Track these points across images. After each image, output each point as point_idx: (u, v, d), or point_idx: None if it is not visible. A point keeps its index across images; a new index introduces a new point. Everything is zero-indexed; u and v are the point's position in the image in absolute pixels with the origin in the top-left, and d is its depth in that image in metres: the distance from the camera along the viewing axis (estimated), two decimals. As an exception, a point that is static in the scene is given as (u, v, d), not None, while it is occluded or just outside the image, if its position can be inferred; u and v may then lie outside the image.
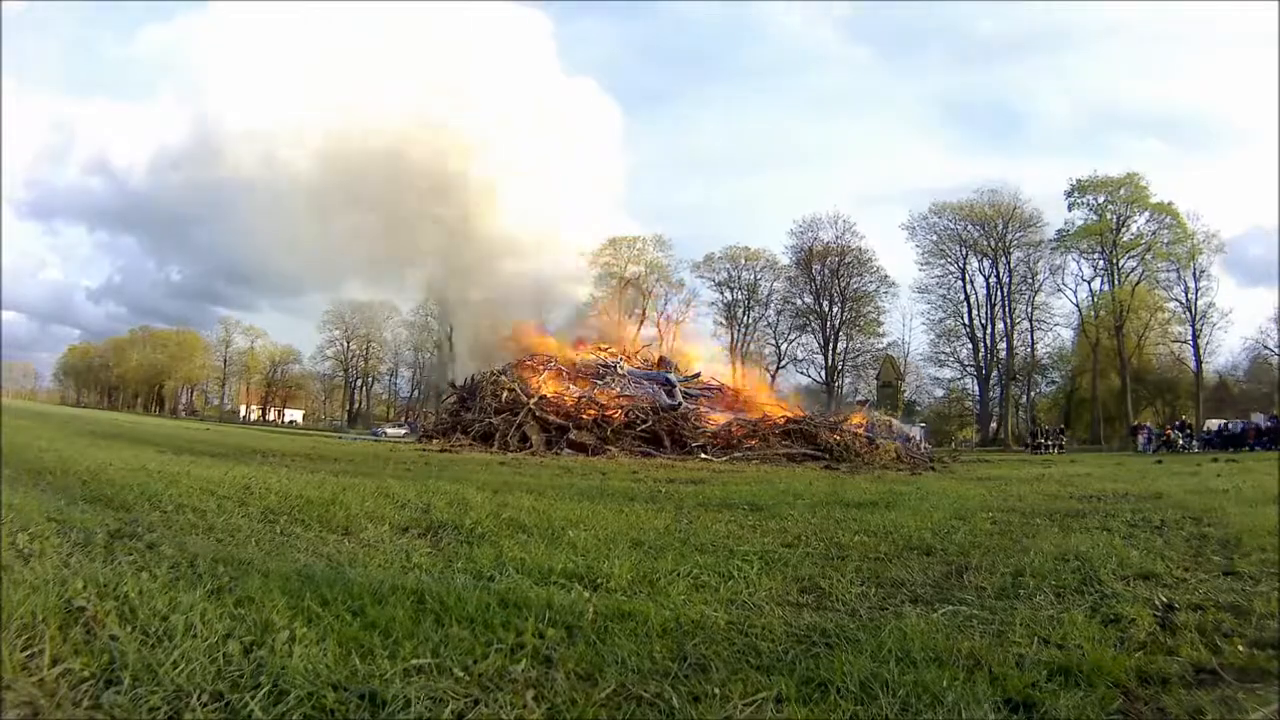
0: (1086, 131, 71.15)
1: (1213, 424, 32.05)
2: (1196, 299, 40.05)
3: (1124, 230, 41.42)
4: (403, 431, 34.63)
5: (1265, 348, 41.03)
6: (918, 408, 47.65)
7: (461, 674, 2.02)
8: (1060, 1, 74.38)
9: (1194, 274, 40.01)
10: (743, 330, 50.01)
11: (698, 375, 25.99)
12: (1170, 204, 40.38)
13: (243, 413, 67.19)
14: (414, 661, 2.06)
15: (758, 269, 50.24)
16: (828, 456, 17.26)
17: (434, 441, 21.15)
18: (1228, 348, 41.94)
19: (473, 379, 24.75)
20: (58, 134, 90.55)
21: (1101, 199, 41.81)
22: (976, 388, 46.89)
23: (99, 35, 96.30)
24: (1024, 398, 46.67)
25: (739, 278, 50.12)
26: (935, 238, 45.98)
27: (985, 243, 44.71)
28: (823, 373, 48.02)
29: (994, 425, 45.19)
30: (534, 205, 32.21)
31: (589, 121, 35.48)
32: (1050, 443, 30.56)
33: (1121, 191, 41.25)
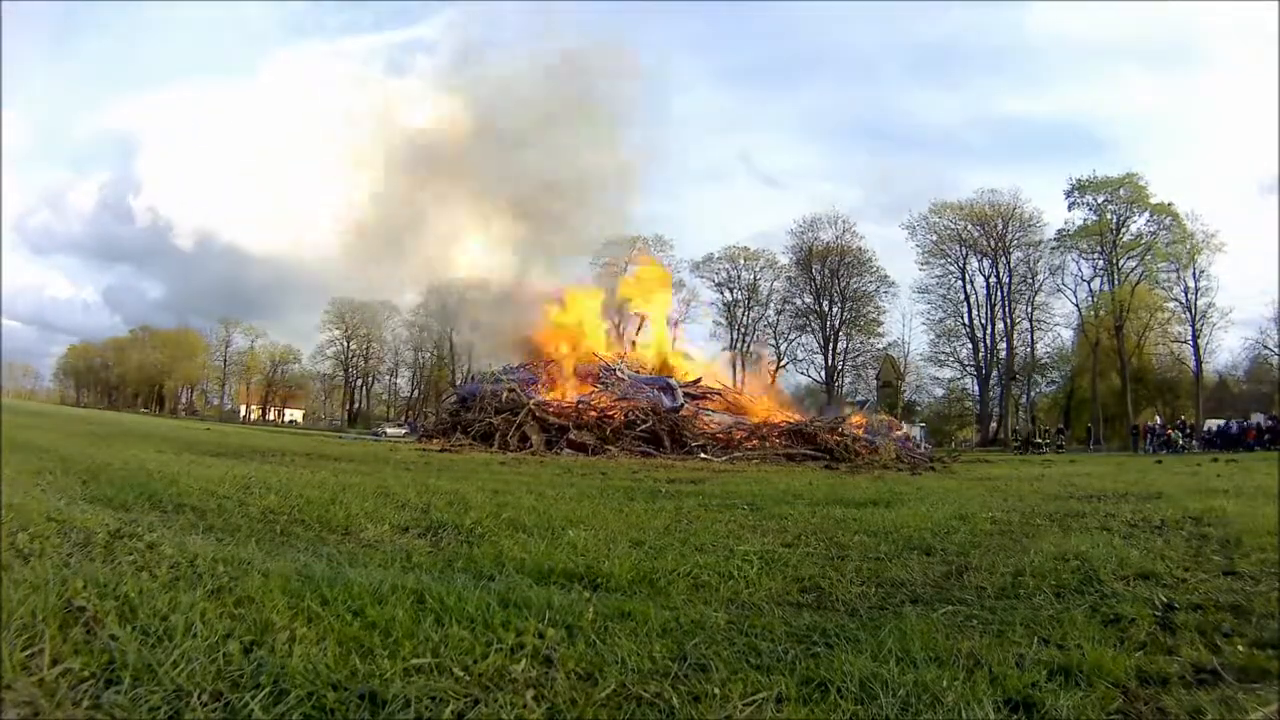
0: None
1: (1213, 424, 32.07)
2: (1196, 299, 40.11)
3: (1124, 230, 41.45)
4: (403, 431, 34.60)
5: (1265, 348, 41.09)
6: (918, 408, 47.67)
7: (461, 674, 2.01)
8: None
9: (1194, 274, 40.07)
10: (742, 330, 50.09)
11: (699, 380, 25.99)
12: (1170, 204, 40.44)
13: (242, 412, 67.15)
14: (414, 661, 2.06)
15: (757, 269, 50.32)
16: (828, 457, 17.25)
17: (434, 441, 21.14)
18: (1227, 347, 42.05)
19: (472, 378, 24.72)
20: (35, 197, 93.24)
21: (1101, 199, 41.84)
22: (976, 388, 46.93)
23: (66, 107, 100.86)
24: (1024, 398, 46.68)
25: (739, 278, 50.20)
26: (935, 237, 46.06)
27: (985, 242, 44.76)
28: (823, 373, 48.07)
29: (994, 425, 45.20)
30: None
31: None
32: (1046, 443, 30.35)
33: (1121, 191, 41.28)
